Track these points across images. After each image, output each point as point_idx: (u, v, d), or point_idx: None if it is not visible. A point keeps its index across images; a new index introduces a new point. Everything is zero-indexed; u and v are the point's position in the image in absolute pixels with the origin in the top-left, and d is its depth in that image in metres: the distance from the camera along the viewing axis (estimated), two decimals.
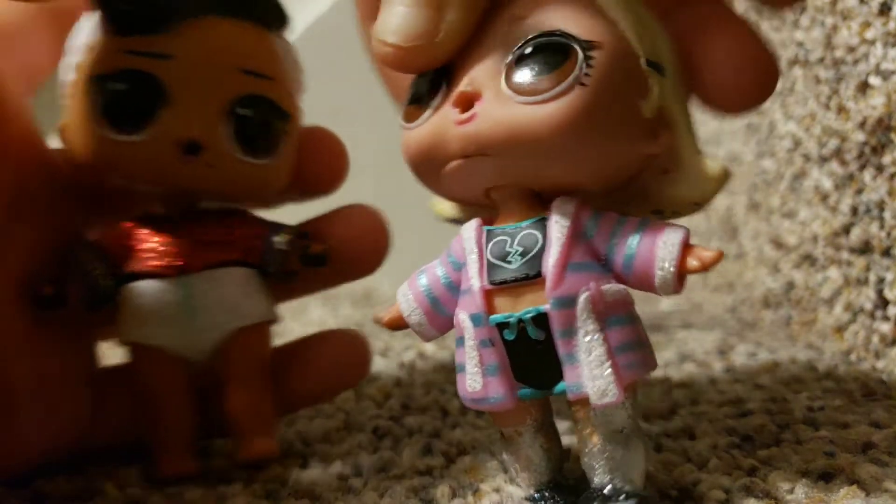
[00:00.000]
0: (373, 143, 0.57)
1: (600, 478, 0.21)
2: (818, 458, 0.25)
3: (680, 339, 0.45)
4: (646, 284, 0.21)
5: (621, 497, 0.20)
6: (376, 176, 0.59)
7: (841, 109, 0.40)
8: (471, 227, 0.22)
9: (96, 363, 0.28)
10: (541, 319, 0.20)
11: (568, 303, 0.20)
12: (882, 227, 0.38)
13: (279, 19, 0.27)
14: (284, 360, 0.28)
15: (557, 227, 0.21)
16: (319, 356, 0.29)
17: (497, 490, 0.24)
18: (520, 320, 0.21)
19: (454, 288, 0.22)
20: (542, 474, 0.23)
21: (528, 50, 0.21)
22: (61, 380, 0.26)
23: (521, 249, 0.21)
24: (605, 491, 0.21)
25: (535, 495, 0.23)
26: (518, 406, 0.21)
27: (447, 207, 0.27)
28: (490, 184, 0.22)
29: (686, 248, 0.20)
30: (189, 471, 0.26)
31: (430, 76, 0.22)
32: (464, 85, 0.21)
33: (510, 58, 0.21)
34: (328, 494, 0.24)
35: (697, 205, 0.24)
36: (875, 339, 0.38)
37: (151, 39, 0.24)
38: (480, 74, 0.21)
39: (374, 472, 0.26)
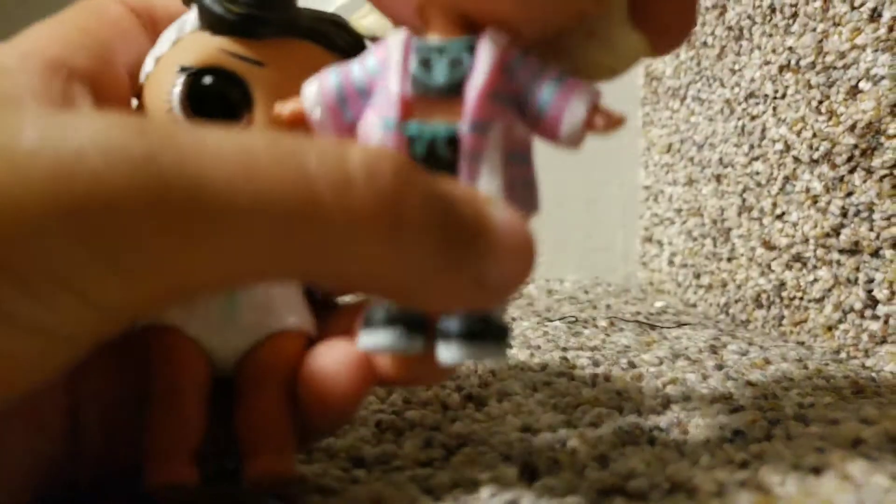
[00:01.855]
0: None
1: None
2: (809, 453, 0.25)
3: (673, 338, 0.45)
4: (550, 132, 0.21)
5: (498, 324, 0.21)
6: None
7: (831, 114, 0.41)
8: (398, 34, 0.22)
9: None
10: (452, 140, 0.20)
11: (483, 129, 0.20)
12: (871, 228, 0.38)
13: (358, 50, 0.26)
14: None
15: (487, 53, 0.21)
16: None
17: (496, 480, 0.24)
18: (432, 135, 0.21)
19: (365, 94, 0.22)
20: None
21: None
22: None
23: (446, 64, 0.21)
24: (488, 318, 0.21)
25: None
26: None
27: (371, 24, 0.26)
28: (435, 5, 0.21)
29: (595, 107, 0.21)
30: (189, 479, 0.22)
31: None
32: None
33: None
34: (334, 485, 0.24)
35: (613, 72, 0.23)
36: (865, 337, 0.39)
37: (248, 43, 0.24)
38: None
39: (377, 464, 0.26)
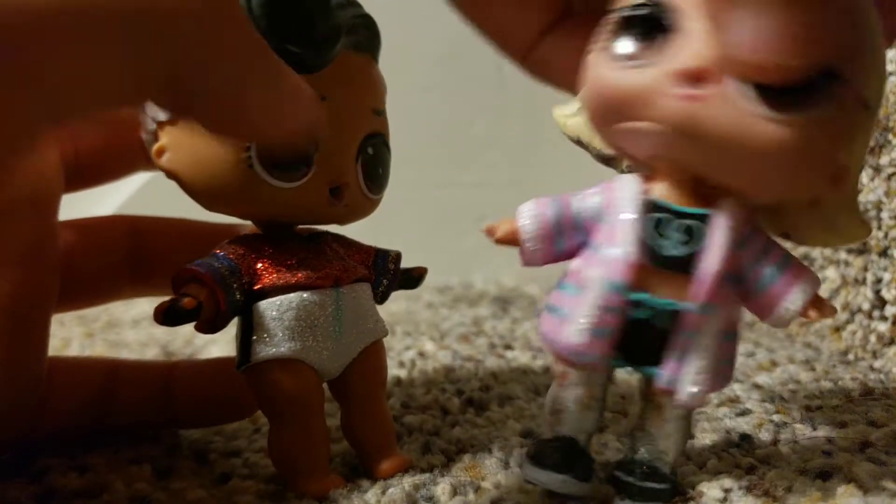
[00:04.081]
0: None
1: (647, 455, 0.23)
2: (816, 456, 0.25)
3: None
4: (761, 311, 0.22)
5: (659, 481, 0.23)
6: None
7: None
8: (633, 189, 0.21)
9: (46, 352, 0.27)
10: (674, 315, 0.21)
11: (709, 311, 0.21)
12: (880, 227, 0.38)
13: (380, 45, 0.26)
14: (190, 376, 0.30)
15: (724, 232, 0.21)
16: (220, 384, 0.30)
17: (497, 487, 0.24)
18: (655, 307, 0.21)
19: (581, 229, 0.22)
20: (567, 425, 0.23)
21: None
22: (6, 366, 0.25)
23: (681, 238, 0.21)
24: (647, 466, 0.23)
25: (550, 440, 0.23)
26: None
27: (577, 126, 0.25)
28: (670, 160, 0.21)
29: (814, 298, 0.21)
30: (338, 486, 0.24)
31: (649, 15, 0.20)
32: (699, 59, 0.19)
33: None
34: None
35: (826, 245, 0.24)
36: (873, 338, 0.38)
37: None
38: (716, 54, 0.19)
39: None
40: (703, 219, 0.21)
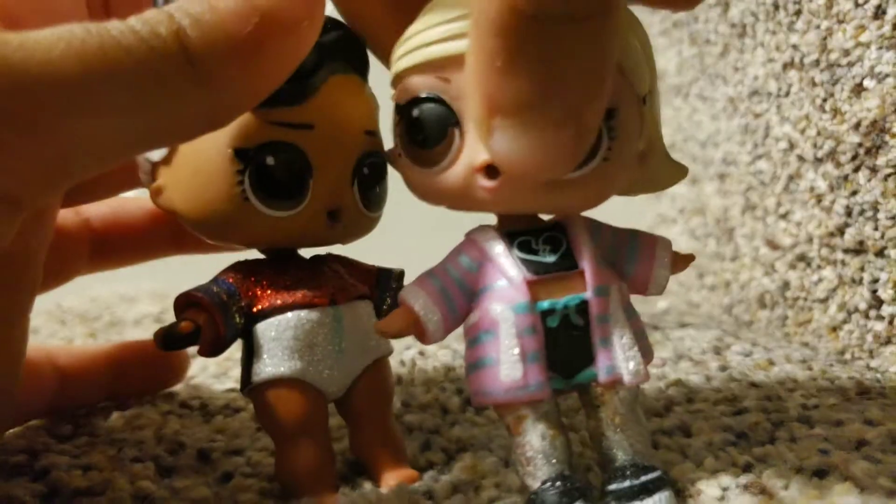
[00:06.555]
0: None
1: (624, 455, 0.23)
2: (813, 455, 0.25)
3: (676, 338, 0.45)
4: (640, 288, 0.24)
5: (649, 471, 0.22)
6: None
7: (836, 112, 0.41)
8: (489, 232, 0.23)
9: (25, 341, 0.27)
10: (582, 307, 0.22)
11: (605, 292, 0.23)
12: (876, 227, 0.38)
13: (368, 65, 0.27)
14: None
15: (579, 231, 0.23)
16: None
17: (497, 486, 0.24)
18: (565, 307, 0.22)
19: (465, 288, 0.23)
20: (548, 465, 0.22)
21: None
22: None
23: (549, 247, 0.23)
24: (630, 465, 0.22)
25: (543, 486, 0.22)
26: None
27: None
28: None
29: (675, 258, 0.25)
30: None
31: (438, 118, 0.22)
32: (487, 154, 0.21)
33: None
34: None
35: (654, 191, 0.27)
36: (869, 338, 0.38)
37: (295, 110, 0.24)
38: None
39: None
40: (557, 228, 0.24)
